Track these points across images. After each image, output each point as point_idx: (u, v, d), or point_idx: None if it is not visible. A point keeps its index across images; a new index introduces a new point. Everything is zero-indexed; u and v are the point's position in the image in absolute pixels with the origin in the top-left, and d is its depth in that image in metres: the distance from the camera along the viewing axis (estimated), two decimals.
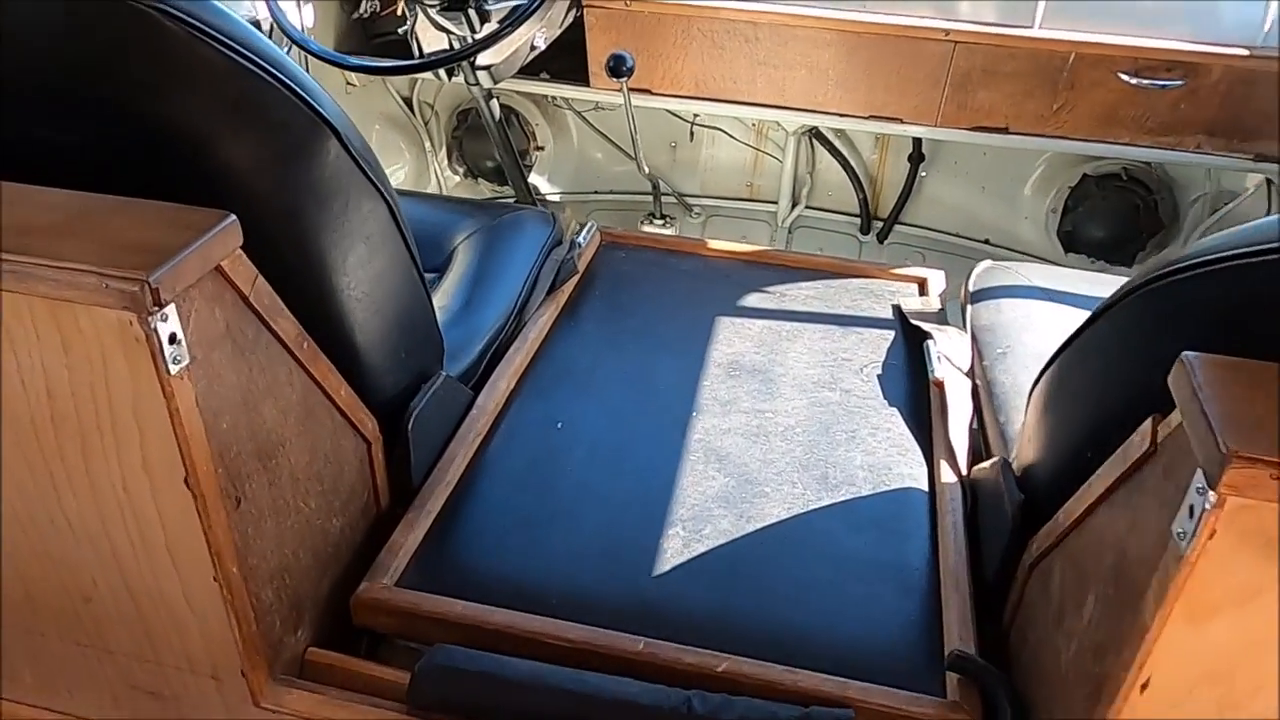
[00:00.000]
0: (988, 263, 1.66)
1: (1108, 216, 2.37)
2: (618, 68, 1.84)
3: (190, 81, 0.83)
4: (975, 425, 1.38)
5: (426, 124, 2.68)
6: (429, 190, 2.77)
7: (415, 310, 1.17)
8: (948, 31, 1.91)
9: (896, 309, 1.64)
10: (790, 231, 2.73)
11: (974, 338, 1.49)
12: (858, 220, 2.69)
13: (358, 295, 1.04)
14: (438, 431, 1.25)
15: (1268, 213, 2.13)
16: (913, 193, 2.59)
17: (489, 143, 2.42)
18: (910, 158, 2.51)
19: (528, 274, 1.57)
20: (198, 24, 0.81)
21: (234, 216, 0.78)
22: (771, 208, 2.75)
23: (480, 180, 2.73)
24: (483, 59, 1.95)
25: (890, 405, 1.40)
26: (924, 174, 2.58)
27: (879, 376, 1.46)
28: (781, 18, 1.97)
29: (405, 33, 2.02)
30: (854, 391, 1.42)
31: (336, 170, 0.96)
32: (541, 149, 2.70)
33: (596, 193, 2.82)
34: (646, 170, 2.21)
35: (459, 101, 2.65)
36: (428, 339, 1.23)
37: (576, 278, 1.63)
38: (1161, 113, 1.93)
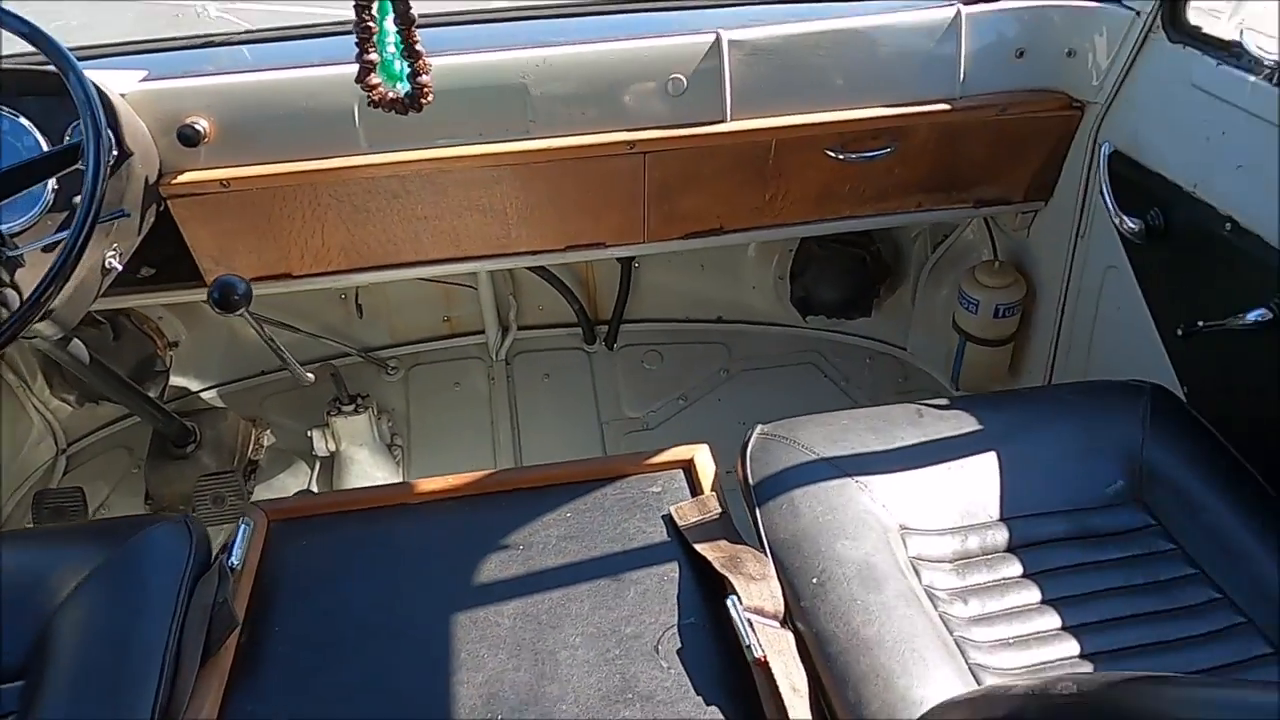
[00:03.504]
0: (760, 430, 1.36)
1: (837, 275, 2.18)
2: (227, 299, 1.35)
3: None
4: (817, 697, 1.06)
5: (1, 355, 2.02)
6: (32, 434, 2.10)
7: None
8: (632, 144, 1.59)
9: (670, 524, 1.30)
10: (508, 363, 2.34)
11: (775, 559, 1.18)
12: (580, 331, 2.36)
13: None
14: None
15: (992, 245, 2.02)
16: (631, 288, 2.29)
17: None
18: (619, 256, 2.20)
19: (164, 653, 1.07)
20: None
21: None
22: (480, 339, 2.35)
23: (102, 402, 2.11)
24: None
25: (709, 705, 1.05)
26: (638, 265, 2.29)
27: (681, 655, 1.11)
28: (432, 163, 1.56)
29: None
30: (656, 695, 1.07)
31: None
32: (175, 345, 2.12)
33: (264, 373, 2.28)
34: (311, 378, 1.73)
35: None
36: None
37: (237, 630, 1.14)
38: (877, 180, 1.73)
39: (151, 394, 1.99)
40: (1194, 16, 1.46)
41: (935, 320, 2.20)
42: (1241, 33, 1.33)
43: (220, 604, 1.13)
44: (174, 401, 2.17)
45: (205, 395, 2.24)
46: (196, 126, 1.48)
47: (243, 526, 1.25)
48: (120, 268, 1.43)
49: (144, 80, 1.49)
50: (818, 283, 2.21)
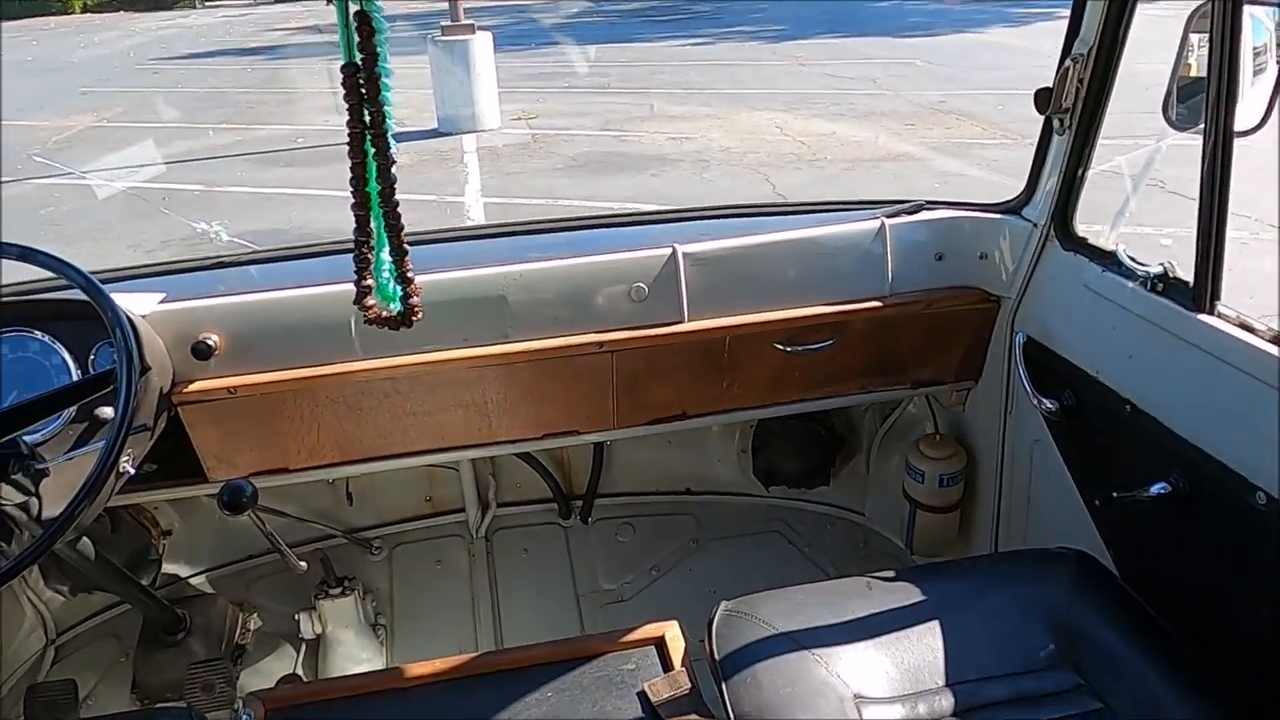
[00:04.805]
0: (724, 607, 1.48)
1: (796, 449, 2.34)
2: (236, 501, 1.48)
3: None
4: None
5: None
6: (24, 625, 2.16)
7: None
8: (601, 344, 1.77)
9: (644, 700, 1.39)
10: (488, 539, 2.45)
11: None
12: (556, 506, 2.48)
13: None
14: None
15: (933, 419, 2.20)
16: (604, 465, 2.44)
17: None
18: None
19: None
20: None
21: None
22: (460, 517, 2.47)
23: (95, 591, 2.18)
24: (48, 511, 1.51)
25: None
26: (609, 444, 2.44)
27: None
28: (422, 366, 1.73)
29: None
30: None
31: None
32: (169, 534, 2.22)
33: (251, 557, 2.36)
34: (304, 566, 1.84)
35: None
36: None
37: None
38: (822, 368, 1.92)
39: (144, 582, 2.07)
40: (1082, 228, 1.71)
41: (888, 487, 2.35)
42: (1118, 246, 1.56)
43: None
44: (164, 588, 2.25)
45: (194, 580, 2.31)
46: (209, 341, 1.65)
47: (244, 717, 1.34)
48: (133, 471, 1.56)
49: (163, 301, 1.67)
50: (778, 456, 2.37)
